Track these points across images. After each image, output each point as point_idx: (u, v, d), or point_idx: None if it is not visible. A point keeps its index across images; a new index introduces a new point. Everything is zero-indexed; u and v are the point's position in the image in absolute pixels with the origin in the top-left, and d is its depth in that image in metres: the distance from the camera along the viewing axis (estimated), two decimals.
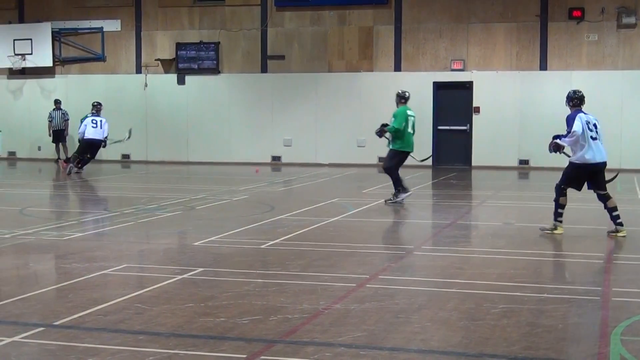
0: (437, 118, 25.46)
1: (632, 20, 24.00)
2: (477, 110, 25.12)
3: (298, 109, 26.40)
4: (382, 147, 24.83)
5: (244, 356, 5.95)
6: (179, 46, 27.29)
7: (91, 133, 22.16)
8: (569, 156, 11.79)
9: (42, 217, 13.90)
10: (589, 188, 11.84)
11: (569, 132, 11.35)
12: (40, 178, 22.94)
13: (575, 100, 11.63)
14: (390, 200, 15.45)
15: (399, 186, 15.42)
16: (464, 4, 25.26)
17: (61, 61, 28.41)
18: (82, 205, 16.00)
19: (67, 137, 27.57)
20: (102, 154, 25.04)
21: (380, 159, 24.65)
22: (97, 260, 9.59)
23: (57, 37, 28.18)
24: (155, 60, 27.62)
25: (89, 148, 22.32)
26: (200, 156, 26.58)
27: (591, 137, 11.38)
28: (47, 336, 6.48)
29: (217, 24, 27.20)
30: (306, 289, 8.16)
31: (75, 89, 28.23)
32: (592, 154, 11.41)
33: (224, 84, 27.10)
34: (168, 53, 27.55)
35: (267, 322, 6.87)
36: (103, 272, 8.93)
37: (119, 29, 27.92)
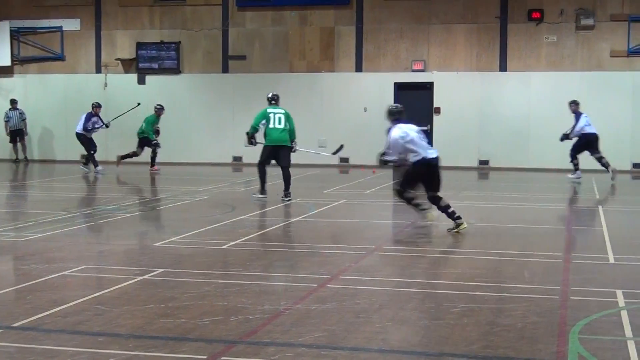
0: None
1: (590, 21, 24.26)
2: (438, 110, 25.25)
3: (259, 109, 26.18)
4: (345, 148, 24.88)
5: (205, 357, 5.94)
6: (140, 46, 27.14)
7: None
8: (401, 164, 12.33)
9: (0, 218, 13.76)
10: (425, 190, 12.10)
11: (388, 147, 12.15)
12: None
13: (397, 115, 12.44)
14: (283, 197, 15.91)
15: (262, 183, 16.16)
16: (424, 5, 25.38)
17: (20, 60, 28.12)
18: (41, 206, 15.82)
19: (26, 137, 27.35)
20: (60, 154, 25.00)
21: (341, 159, 24.69)
22: (56, 262, 9.51)
23: (16, 36, 27.90)
24: (115, 59, 27.45)
25: None
26: (160, 156, 26.40)
27: (414, 141, 11.99)
28: (6, 338, 6.42)
29: (177, 24, 27.09)
30: (267, 289, 8.16)
31: (34, 88, 27.97)
32: (424, 153, 11.98)
33: (184, 84, 27.00)
34: (128, 53, 27.39)
35: (228, 323, 6.86)
36: (62, 273, 8.86)
37: (79, 28, 27.71)
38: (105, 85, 27.28)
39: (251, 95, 26.39)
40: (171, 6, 27.11)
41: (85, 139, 23.34)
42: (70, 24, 27.70)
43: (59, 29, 27.71)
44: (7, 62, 27.71)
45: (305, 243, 11.01)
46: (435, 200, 12.12)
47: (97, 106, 23.62)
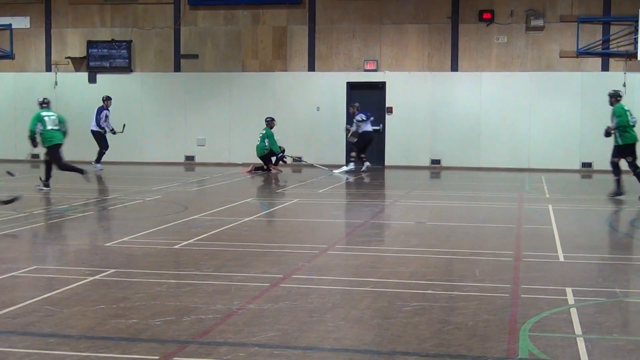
0: (351, 118, 25.57)
1: (540, 22, 24.53)
2: (390, 110, 25.36)
3: (211, 108, 26.28)
4: (295, 148, 24.91)
5: (157, 357, 5.91)
6: (90, 44, 26.90)
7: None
8: None
9: None
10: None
11: None
12: None
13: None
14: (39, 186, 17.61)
15: (49, 175, 17.80)
16: (376, 5, 25.47)
17: None
18: None
19: None
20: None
21: (294, 159, 24.69)
22: (6, 262, 9.39)
23: None
24: (66, 58, 27.18)
25: None
26: (112, 156, 26.15)
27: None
28: None
29: (129, 22, 26.89)
30: (220, 289, 8.14)
31: None
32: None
33: (136, 83, 26.81)
34: (79, 51, 27.13)
35: (180, 323, 6.83)
36: (12, 274, 8.76)
37: (28, 26, 27.39)
38: (56, 84, 26.99)
39: (203, 95, 26.31)
40: (122, 4, 26.89)
41: (100, 136, 23.79)
42: (20, 22, 27.36)
43: (7, 27, 27.35)
44: None
45: (257, 242, 10.99)
46: None
47: (106, 99, 23.96)
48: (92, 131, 23.92)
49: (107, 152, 24.03)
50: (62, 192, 17.37)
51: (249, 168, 23.36)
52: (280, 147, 23.38)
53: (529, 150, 24.59)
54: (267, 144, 23.07)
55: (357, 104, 23.72)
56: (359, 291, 8.14)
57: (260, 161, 23.39)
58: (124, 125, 24.32)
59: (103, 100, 23.96)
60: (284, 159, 23.71)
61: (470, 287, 8.24)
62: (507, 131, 24.72)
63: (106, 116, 23.82)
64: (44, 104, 17.99)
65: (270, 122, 23.42)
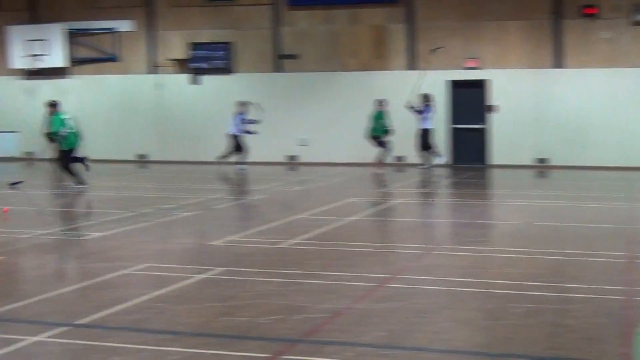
0: (453, 117, 25.35)
1: None
2: (494, 108, 24.99)
3: (312, 108, 26.37)
4: (400, 146, 24.79)
5: (267, 355, 5.95)
6: (192, 46, 27.29)
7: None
8: None
9: (62, 217, 13.93)
10: None
11: None
12: (59, 178, 22.90)
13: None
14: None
15: (77, 176, 18.52)
16: (475, 2, 25.17)
17: (76, 61, 28.37)
18: (101, 206, 15.99)
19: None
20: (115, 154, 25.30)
21: (397, 158, 24.62)
22: (118, 260, 9.61)
23: (71, 37, 28.14)
24: (168, 60, 27.62)
25: None
26: (215, 156, 26.53)
27: None
28: (70, 335, 6.51)
29: (229, 24, 27.19)
30: (326, 288, 8.15)
31: (89, 89, 28.23)
32: None
33: (237, 84, 27.07)
34: (180, 53, 27.56)
35: (288, 322, 6.87)
36: (123, 271, 8.95)
37: (132, 29, 27.88)
38: (159, 85, 27.46)
39: (304, 94, 26.43)
40: (222, 6, 27.19)
41: (237, 139, 23.98)
42: (124, 25, 27.90)
43: (113, 30, 27.91)
44: (62, 63, 27.97)
45: (362, 242, 10.98)
46: None
47: (242, 104, 24.20)
48: (230, 135, 24.10)
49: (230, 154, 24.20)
50: (168, 191, 17.67)
51: (376, 164, 23.49)
52: (386, 129, 23.67)
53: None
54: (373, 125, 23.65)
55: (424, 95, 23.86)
56: (467, 292, 8.06)
57: (374, 145, 23.68)
58: (254, 104, 24.47)
59: (238, 106, 24.15)
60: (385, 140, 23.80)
61: (582, 289, 8.07)
62: (615, 128, 24.11)
63: (242, 119, 24.00)
64: (51, 106, 18.81)
65: (375, 102, 23.89)
